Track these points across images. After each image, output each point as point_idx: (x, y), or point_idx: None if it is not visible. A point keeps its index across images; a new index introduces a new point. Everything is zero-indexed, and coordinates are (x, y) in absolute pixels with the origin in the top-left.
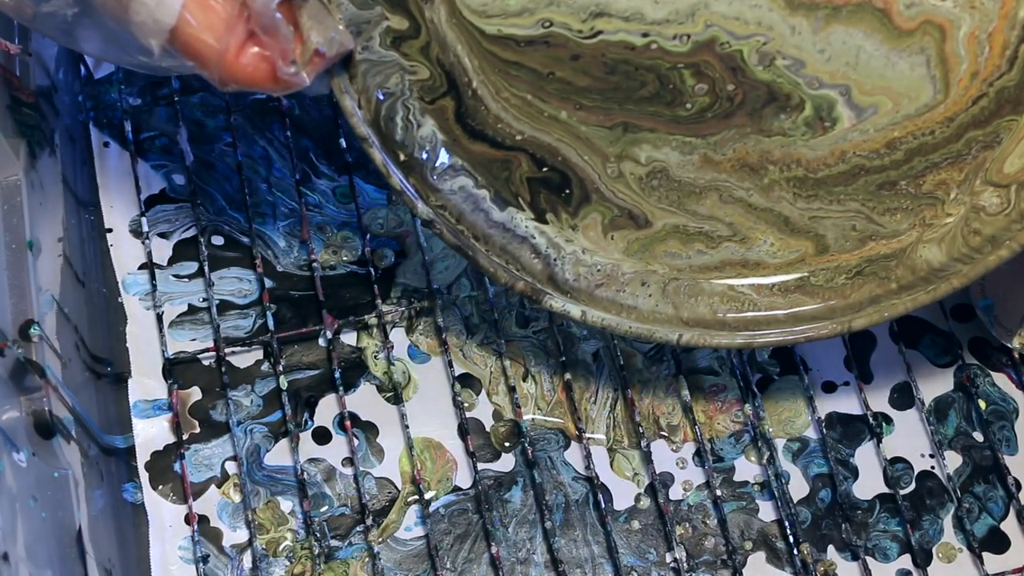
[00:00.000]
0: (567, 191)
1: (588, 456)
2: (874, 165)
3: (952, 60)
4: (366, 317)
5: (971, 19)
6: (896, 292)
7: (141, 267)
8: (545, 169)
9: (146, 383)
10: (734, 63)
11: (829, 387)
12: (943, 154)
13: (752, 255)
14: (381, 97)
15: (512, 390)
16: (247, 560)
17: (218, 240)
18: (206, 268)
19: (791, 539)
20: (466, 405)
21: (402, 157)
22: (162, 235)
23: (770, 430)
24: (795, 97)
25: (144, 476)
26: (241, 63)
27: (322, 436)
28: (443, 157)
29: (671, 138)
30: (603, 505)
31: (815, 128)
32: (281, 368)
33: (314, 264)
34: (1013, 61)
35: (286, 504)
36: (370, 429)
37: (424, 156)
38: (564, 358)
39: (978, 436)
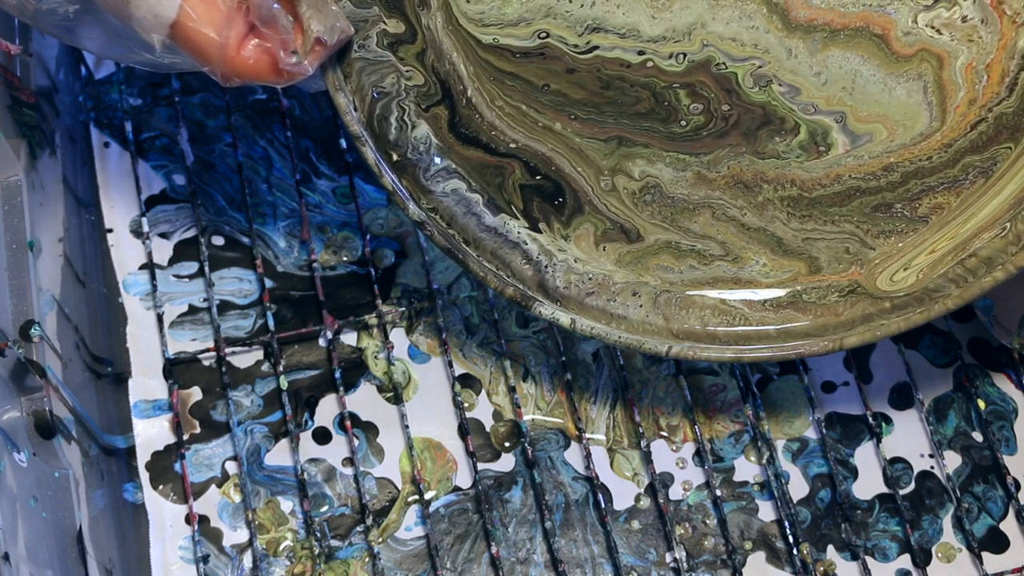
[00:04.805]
0: (560, 200)
1: (588, 456)
2: (870, 186)
3: (949, 87)
4: (366, 317)
5: (968, 51)
6: (889, 311)
7: (141, 267)
8: (538, 177)
9: (146, 383)
10: (729, 85)
11: (829, 387)
12: (939, 178)
13: (744, 274)
14: (375, 96)
15: (512, 390)
16: (247, 560)
17: (218, 240)
18: (206, 268)
19: (791, 539)
20: (466, 405)
21: (395, 157)
22: (162, 235)
23: (769, 430)
24: (790, 121)
25: (144, 476)
26: (242, 56)
27: (322, 436)
28: (436, 159)
29: (665, 154)
30: (603, 505)
31: (810, 152)
32: (281, 368)
33: (314, 264)
34: (1012, 88)
35: (286, 504)
36: (370, 429)
37: (417, 157)
38: (564, 358)
39: (977, 436)
